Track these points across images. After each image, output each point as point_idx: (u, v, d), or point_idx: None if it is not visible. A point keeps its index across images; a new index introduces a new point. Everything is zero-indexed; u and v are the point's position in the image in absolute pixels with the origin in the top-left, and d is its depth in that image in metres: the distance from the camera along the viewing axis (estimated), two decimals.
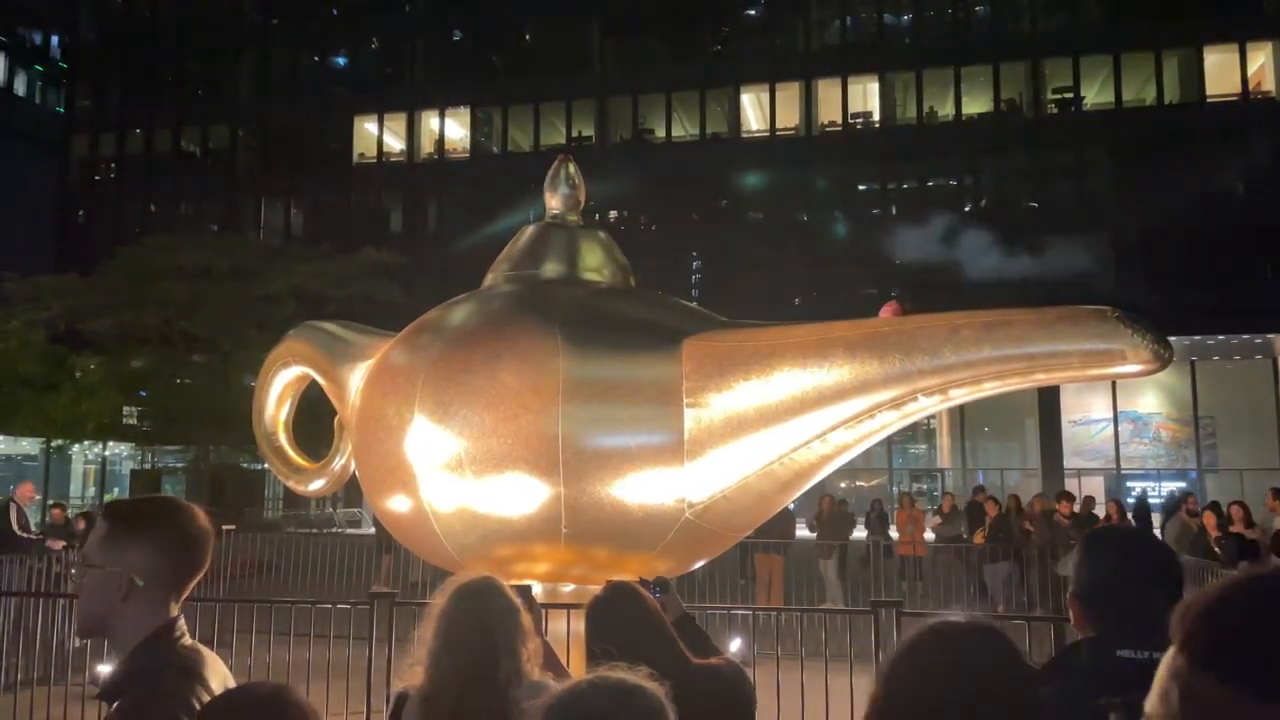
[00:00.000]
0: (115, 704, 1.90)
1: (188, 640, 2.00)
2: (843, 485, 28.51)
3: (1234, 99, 30.00)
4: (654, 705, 1.60)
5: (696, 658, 2.95)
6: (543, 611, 3.21)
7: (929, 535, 16.15)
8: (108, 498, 29.99)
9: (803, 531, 15.81)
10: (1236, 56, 30.02)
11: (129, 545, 1.96)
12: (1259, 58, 30.44)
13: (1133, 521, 15.62)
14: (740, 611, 8.06)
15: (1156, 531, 14.20)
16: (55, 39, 53.09)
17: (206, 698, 1.87)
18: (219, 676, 2.00)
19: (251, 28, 38.20)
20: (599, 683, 1.66)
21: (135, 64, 38.40)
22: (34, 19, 52.24)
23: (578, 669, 3.46)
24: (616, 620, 2.75)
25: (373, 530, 14.40)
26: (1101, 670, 1.94)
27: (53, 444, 28.04)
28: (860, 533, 17.37)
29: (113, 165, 39.15)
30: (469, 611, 2.66)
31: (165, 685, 1.86)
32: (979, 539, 14.10)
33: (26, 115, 49.93)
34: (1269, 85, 30.24)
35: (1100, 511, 15.92)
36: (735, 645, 5.70)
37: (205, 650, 2.04)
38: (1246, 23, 29.95)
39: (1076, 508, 14.73)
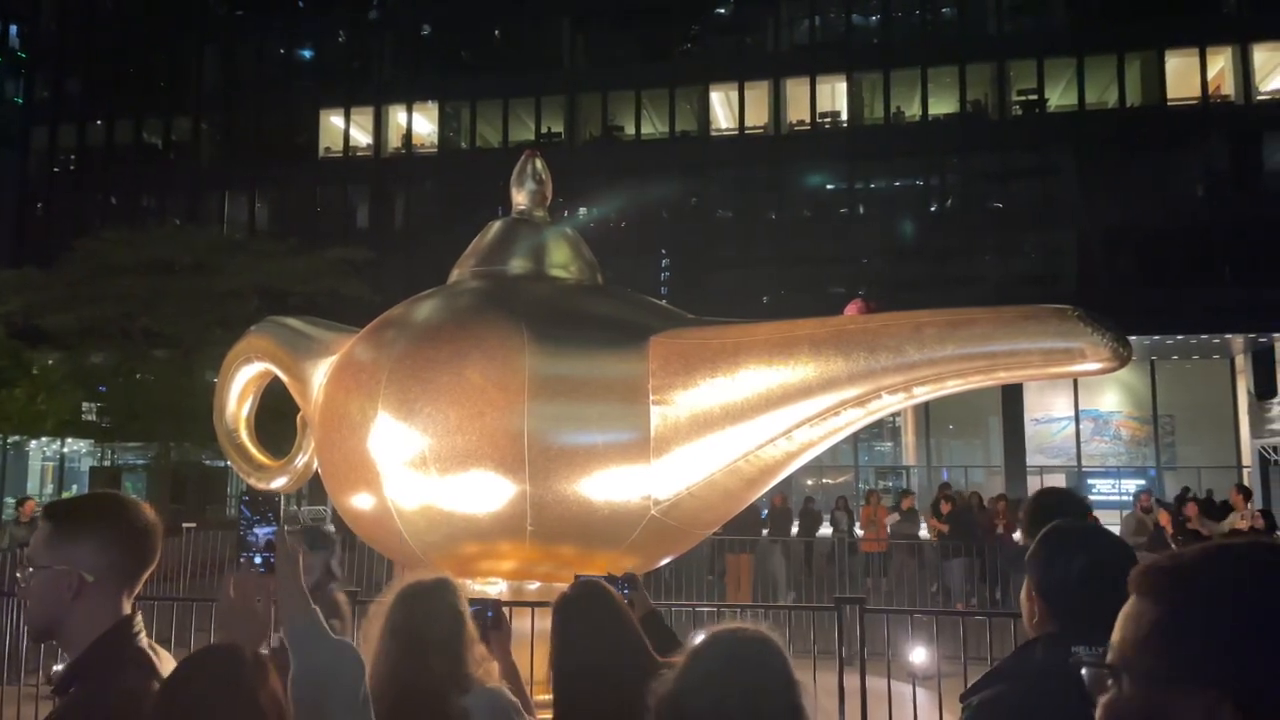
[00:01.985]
0: (69, 693, 1.87)
1: (144, 639, 1.97)
2: (809, 482, 28.68)
3: (1194, 102, 30.50)
4: (782, 654, 1.87)
5: (663, 655, 2.95)
6: (510, 628, 3.19)
7: (859, 532, 16.38)
8: (66, 495, 29.49)
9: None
10: (1197, 60, 30.53)
11: (74, 543, 1.93)
12: (1218, 62, 30.97)
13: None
14: (706, 608, 8.08)
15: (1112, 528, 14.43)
16: (14, 28, 52.05)
17: None
18: None
19: (216, 19, 37.71)
20: (739, 631, 1.93)
21: (97, 54, 37.75)
22: None
23: (541, 666, 3.44)
24: (584, 617, 2.74)
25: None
26: (1058, 668, 1.95)
27: (9, 440, 27.54)
28: (825, 529, 17.49)
29: (73, 157, 38.49)
30: (408, 616, 2.65)
31: (119, 678, 1.84)
32: (932, 523, 14.38)
33: None
34: (1228, 89, 30.77)
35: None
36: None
37: (161, 650, 2.01)
38: (1207, 27, 30.47)
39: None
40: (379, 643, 2.64)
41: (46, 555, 1.94)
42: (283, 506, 2.28)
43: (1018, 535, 12.93)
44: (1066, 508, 3.15)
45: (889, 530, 15.23)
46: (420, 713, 2.53)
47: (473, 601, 2.87)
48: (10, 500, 18.98)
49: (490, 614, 3.03)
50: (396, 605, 2.67)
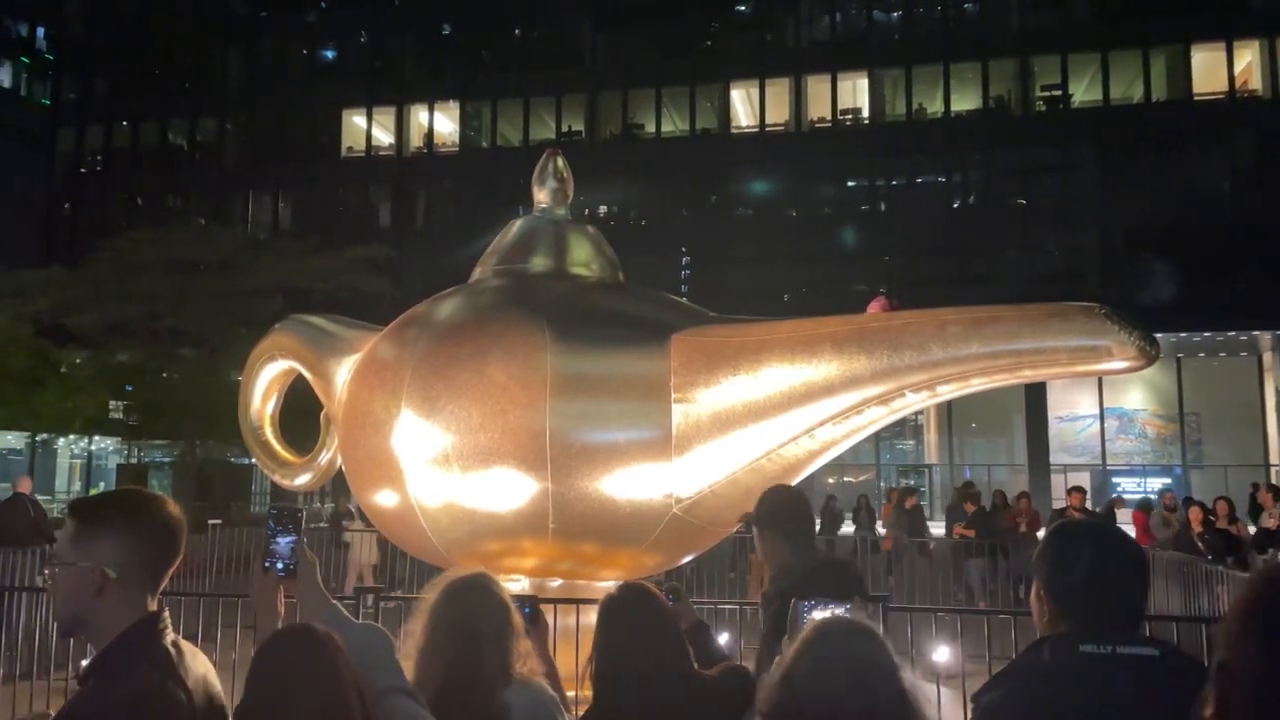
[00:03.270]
0: (85, 684, 1.90)
1: (170, 635, 1.98)
2: (830, 481, 28.57)
3: (1220, 97, 30.14)
4: (887, 647, 1.94)
5: (704, 669, 2.94)
6: (548, 625, 3.20)
7: (880, 530, 16.24)
8: (93, 492, 29.81)
9: None
10: (1223, 55, 30.16)
11: (99, 539, 1.95)
12: (1246, 56, 30.59)
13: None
14: (728, 606, 8.06)
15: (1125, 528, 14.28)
16: (41, 31, 52.67)
17: (181, 695, 1.87)
18: (200, 671, 1.99)
19: (240, 20, 37.97)
20: (846, 623, 2.02)
21: (122, 56, 38.12)
22: (19, 11, 51.83)
23: (566, 665, 3.45)
24: (629, 621, 2.72)
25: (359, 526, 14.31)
26: (1066, 668, 1.93)
27: (38, 438, 27.87)
28: (848, 528, 17.41)
29: (99, 158, 38.87)
30: (458, 607, 2.65)
31: (132, 676, 1.86)
32: (957, 532, 14.16)
33: (12, 108, 49.53)
34: (1255, 83, 30.39)
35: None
36: (723, 640, 5.70)
37: (186, 644, 2.03)
38: (1233, 21, 30.09)
39: (1091, 505, 14.67)
40: (426, 637, 2.63)
41: (71, 552, 1.95)
42: (304, 517, 2.48)
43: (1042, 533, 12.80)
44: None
45: (893, 533, 15.02)
46: (466, 705, 2.53)
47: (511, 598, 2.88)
48: (41, 497, 19.25)
49: (528, 610, 3.03)
50: (444, 599, 2.67)
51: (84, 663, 2.01)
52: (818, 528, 17.02)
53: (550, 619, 4.34)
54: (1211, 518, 11.49)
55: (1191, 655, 2.22)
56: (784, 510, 3.48)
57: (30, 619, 8.10)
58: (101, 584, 1.92)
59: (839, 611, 2.39)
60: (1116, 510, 16.02)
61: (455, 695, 2.53)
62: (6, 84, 51.97)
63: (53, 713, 1.90)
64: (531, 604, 3.21)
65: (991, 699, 1.98)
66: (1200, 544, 10.83)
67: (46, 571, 2.02)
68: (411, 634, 2.69)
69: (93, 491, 29.01)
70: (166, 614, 2.01)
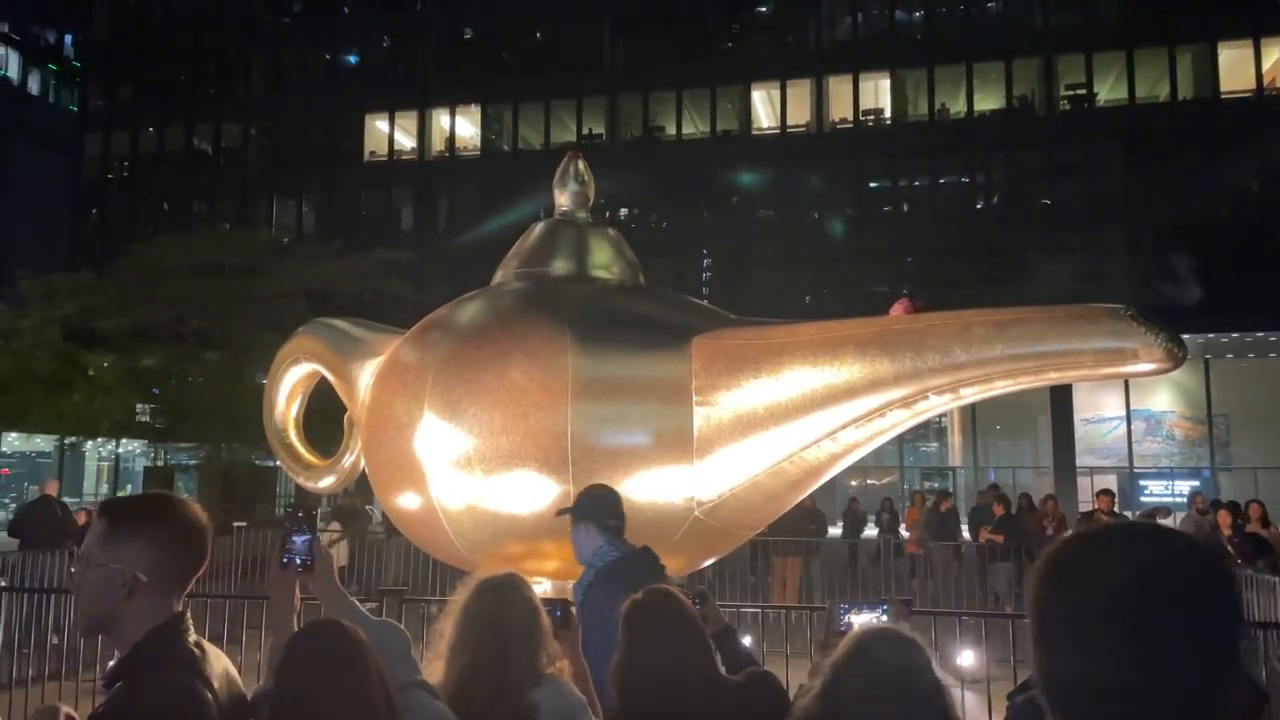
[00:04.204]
0: (115, 687, 1.91)
1: (193, 635, 2.01)
2: (853, 484, 28.44)
3: (1248, 95, 29.79)
4: (924, 652, 1.96)
5: (731, 673, 2.93)
6: (579, 627, 3.21)
7: (904, 533, 16.13)
8: (120, 494, 30.08)
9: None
10: (1251, 53, 29.81)
11: (129, 542, 1.97)
12: (1274, 54, 30.22)
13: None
14: (750, 609, 8.04)
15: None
16: (69, 38, 53.31)
17: (208, 694, 1.89)
18: (221, 671, 2.01)
19: (263, 26, 38.29)
20: (883, 633, 2.05)
21: (148, 62, 38.54)
22: (47, 18, 52.49)
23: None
24: (654, 625, 2.72)
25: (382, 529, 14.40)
26: None
27: (66, 441, 28.17)
28: (871, 530, 17.32)
29: (126, 163, 39.31)
30: (488, 608, 2.67)
31: (162, 676, 1.87)
32: (984, 536, 13.98)
33: (40, 114, 50.19)
34: None
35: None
36: (746, 642, 5.68)
37: (209, 646, 2.05)
38: (1261, 19, 29.72)
39: (1118, 507, 14.47)
40: (456, 635, 2.66)
41: (101, 554, 1.97)
42: (318, 516, 2.56)
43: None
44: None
45: (920, 534, 14.91)
46: (494, 703, 2.55)
47: (542, 601, 2.90)
48: (70, 501, 19.48)
49: (559, 613, 3.04)
50: (475, 598, 2.70)
51: (111, 664, 2.02)
52: (841, 531, 16.94)
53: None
54: (1241, 520, 11.35)
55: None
56: (604, 506, 3.80)
57: (60, 619, 8.20)
58: (133, 586, 1.94)
59: (879, 618, 2.39)
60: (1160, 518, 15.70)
61: (484, 693, 2.55)
62: (35, 90, 52.64)
63: (75, 712, 1.90)
64: (563, 607, 3.21)
65: (1026, 697, 1.99)
66: (1230, 547, 10.70)
67: (74, 569, 2.04)
68: (442, 633, 2.71)
69: (120, 494, 29.30)
70: (189, 616, 2.03)
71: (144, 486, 30.85)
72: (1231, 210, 28.80)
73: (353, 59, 38.53)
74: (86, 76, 41.69)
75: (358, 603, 2.53)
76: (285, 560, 2.51)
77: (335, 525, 14.48)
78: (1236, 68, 29.91)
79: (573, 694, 2.67)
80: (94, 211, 39.07)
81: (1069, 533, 1.20)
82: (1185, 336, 3.52)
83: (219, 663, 2.03)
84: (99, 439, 29.61)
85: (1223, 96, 29.96)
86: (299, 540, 2.53)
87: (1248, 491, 20.82)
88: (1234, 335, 27.70)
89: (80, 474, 34.83)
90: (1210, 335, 27.00)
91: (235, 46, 37.73)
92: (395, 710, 2.03)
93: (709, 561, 5.66)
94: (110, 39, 39.90)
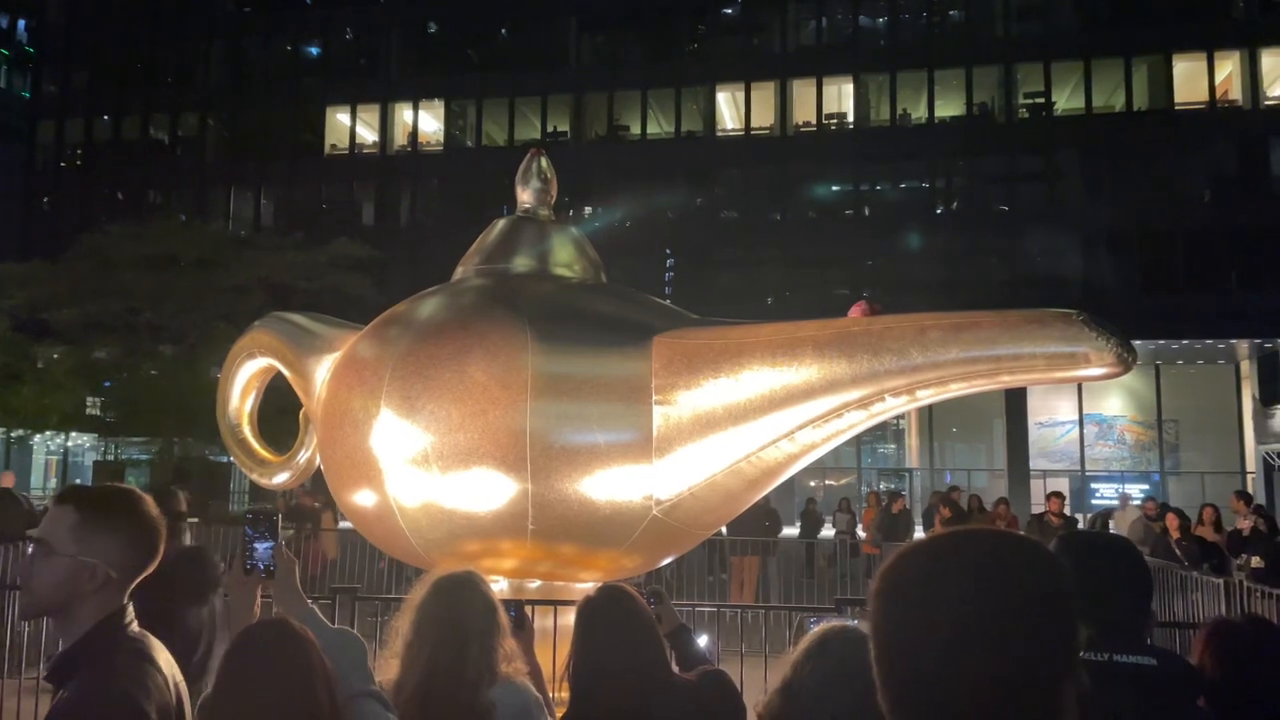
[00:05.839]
0: (68, 684, 1.88)
1: (135, 626, 2.00)
2: (811, 484, 28.65)
3: (1201, 106, 30.43)
4: None
5: (684, 671, 2.93)
6: (533, 628, 3.21)
7: (860, 533, 16.28)
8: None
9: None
10: (1204, 65, 30.45)
11: (108, 539, 1.95)
12: (1226, 67, 30.90)
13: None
14: (707, 608, 8.07)
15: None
16: (22, 23, 52.20)
17: (159, 679, 1.88)
18: (165, 661, 1.99)
19: (224, 15, 37.74)
20: (846, 632, 2.10)
21: (104, 49, 37.81)
22: (0, 2, 51.34)
23: (544, 666, 3.44)
24: (607, 622, 2.72)
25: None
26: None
27: (14, 435, 27.59)
28: (828, 530, 17.46)
29: (79, 152, 38.55)
30: (444, 604, 2.66)
31: (120, 666, 1.86)
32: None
33: None
34: (1235, 94, 30.70)
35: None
36: (702, 641, 5.70)
37: (150, 636, 2.03)
38: (1215, 32, 30.40)
39: (1069, 510, 14.67)
40: (412, 632, 2.65)
41: (73, 545, 1.93)
42: (280, 520, 2.65)
43: None
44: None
45: (873, 534, 15.00)
46: (451, 701, 2.54)
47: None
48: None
49: (514, 613, 3.04)
50: (432, 596, 2.69)
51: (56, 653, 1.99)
52: (799, 531, 17.01)
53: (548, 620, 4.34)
54: (1186, 523, 11.58)
55: (1190, 664, 2.22)
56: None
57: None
58: (104, 581, 1.92)
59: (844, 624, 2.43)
60: (1111, 521, 15.90)
61: (440, 691, 2.54)
62: None
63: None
64: (517, 607, 3.21)
65: None
66: (1177, 550, 10.91)
67: (32, 551, 1.98)
68: (398, 630, 2.69)
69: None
70: (131, 607, 2.01)
71: (93, 481, 30.25)
72: (1184, 219, 29.41)
73: (315, 51, 38.10)
74: (40, 62, 40.83)
75: (316, 609, 2.54)
76: (249, 565, 2.55)
77: (309, 525, 14.29)
78: (1191, 79, 30.55)
79: (529, 692, 2.67)
80: (45, 200, 38.28)
81: (903, 545, 1.23)
82: (1136, 342, 3.59)
83: (161, 653, 2.01)
84: (47, 432, 29.00)
85: (1177, 107, 30.58)
86: (261, 546, 2.57)
87: (1196, 495, 21.27)
88: (1184, 342, 28.29)
89: (28, 467, 34.09)
90: (1161, 341, 27.55)
91: (195, 35, 37.14)
92: (339, 713, 2.02)
93: (667, 560, 5.67)
94: (65, 24, 39.09)
